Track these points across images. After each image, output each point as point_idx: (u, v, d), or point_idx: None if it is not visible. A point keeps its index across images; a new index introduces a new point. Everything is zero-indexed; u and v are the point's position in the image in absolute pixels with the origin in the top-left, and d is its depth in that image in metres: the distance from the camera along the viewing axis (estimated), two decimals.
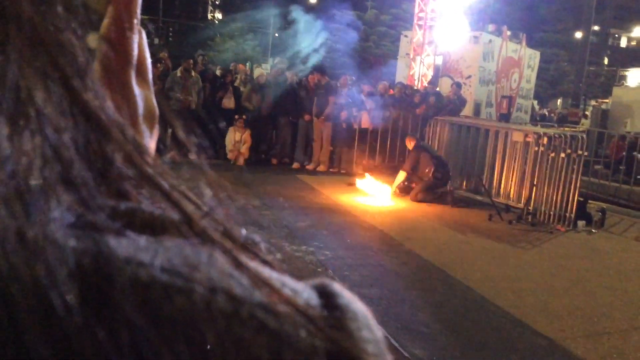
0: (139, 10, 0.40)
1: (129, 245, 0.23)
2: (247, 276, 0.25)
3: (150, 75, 0.42)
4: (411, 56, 14.47)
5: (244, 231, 0.30)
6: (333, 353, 0.24)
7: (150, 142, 0.40)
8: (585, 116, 22.85)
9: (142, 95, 0.40)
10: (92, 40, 0.35)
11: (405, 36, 15.90)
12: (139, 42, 0.40)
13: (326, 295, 0.27)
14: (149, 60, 0.42)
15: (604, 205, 9.18)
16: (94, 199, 0.25)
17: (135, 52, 0.40)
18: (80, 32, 0.28)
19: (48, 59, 0.26)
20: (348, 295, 0.28)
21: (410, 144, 9.72)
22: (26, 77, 0.24)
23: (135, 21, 0.40)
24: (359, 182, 9.33)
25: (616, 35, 47.25)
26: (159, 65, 10.92)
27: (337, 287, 0.28)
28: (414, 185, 9.13)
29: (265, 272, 0.26)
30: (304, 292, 0.27)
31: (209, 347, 0.22)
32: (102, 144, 0.27)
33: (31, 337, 0.20)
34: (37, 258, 0.21)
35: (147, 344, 0.21)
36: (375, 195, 8.79)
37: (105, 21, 0.38)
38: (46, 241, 0.21)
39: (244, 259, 0.26)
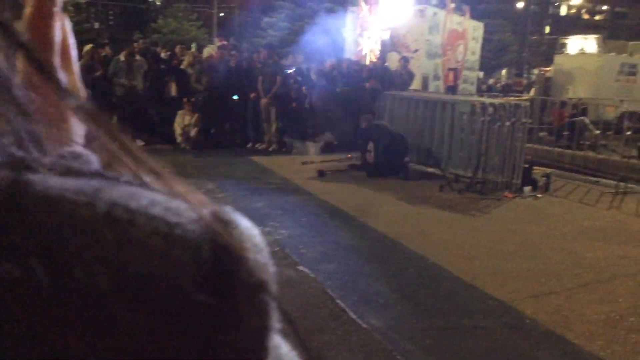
0: None
1: (45, 178, 0.29)
2: (146, 197, 0.29)
3: (75, 60, 0.44)
4: (358, 32, 14.48)
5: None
6: (217, 247, 0.29)
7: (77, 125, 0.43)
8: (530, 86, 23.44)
9: (66, 80, 0.42)
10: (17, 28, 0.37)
11: (352, 12, 15.89)
12: (62, 28, 0.42)
13: (216, 214, 0.31)
14: (73, 46, 0.44)
15: (549, 170, 9.51)
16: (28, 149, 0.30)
17: (59, 38, 0.41)
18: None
19: None
20: (236, 215, 0.32)
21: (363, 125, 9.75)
22: None
23: (56, 8, 0.41)
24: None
25: (556, 4, 48.30)
26: (102, 50, 10.63)
27: (229, 209, 0.32)
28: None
29: (162, 197, 0.30)
30: (201, 208, 0.31)
31: (108, 244, 0.27)
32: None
33: None
34: None
35: (56, 243, 0.26)
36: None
37: (27, 10, 0.40)
38: None
39: (146, 185, 0.31)
